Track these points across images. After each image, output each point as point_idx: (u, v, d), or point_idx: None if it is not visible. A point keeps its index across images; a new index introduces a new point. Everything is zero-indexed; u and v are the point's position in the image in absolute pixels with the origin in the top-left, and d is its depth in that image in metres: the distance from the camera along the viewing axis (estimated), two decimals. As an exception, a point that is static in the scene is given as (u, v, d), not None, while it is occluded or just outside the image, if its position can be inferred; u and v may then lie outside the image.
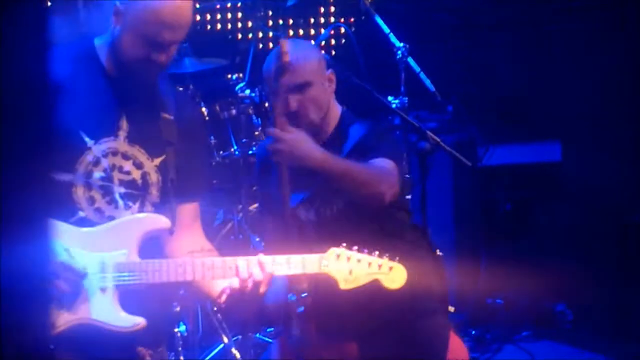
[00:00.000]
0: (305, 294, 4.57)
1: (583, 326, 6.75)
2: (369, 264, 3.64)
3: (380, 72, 5.69)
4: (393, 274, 3.66)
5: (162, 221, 3.58)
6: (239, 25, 7.13)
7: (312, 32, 7.18)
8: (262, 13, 6.26)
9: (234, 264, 3.58)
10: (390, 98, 5.59)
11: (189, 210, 3.78)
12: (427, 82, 5.62)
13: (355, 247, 3.65)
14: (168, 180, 3.66)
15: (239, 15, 7.08)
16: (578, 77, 7.02)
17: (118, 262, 3.50)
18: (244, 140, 5.78)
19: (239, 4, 6.93)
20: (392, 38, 5.63)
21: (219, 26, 7.29)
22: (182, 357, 5.15)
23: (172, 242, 3.71)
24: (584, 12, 7.21)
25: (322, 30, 6.87)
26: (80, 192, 3.55)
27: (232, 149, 5.76)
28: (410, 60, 5.62)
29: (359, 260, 3.63)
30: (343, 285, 3.62)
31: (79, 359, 3.49)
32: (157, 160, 3.66)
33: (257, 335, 5.50)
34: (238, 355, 5.34)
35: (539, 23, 7.33)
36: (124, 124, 3.61)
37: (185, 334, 5.23)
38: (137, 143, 3.62)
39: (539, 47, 7.40)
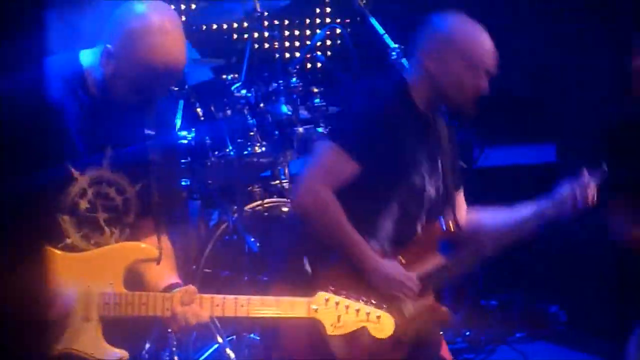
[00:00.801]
0: None
1: (577, 327, 6.76)
2: (357, 311, 3.58)
3: (375, 72, 5.70)
4: (381, 323, 3.60)
5: (151, 251, 3.54)
6: (235, 25, 7.14)
7: (308, 32, 7.19)
8: (258, 13, 6.25)
9: (222, 302, 3.52)
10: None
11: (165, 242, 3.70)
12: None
13: (344, 292, 3.60)
14: (146, 205, 3.63)
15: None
16: (573, 79, 7.03)
17: (104, 292, 3.45)
18: (239, 140, 5.78)
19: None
20: (387, 39, 5.64)
21: (214, 26, 7.29)
22: (176, 357, 5.14)
23: (151, 274, 3.63)
24: (578, 15, 7.22)
25: (318, 31, 6.89)
26: (66, 220, 3.52)
27: (227, 149, 5.76)
28: (404, 61, 5.62)
29: (347, 307, 3.56)
30: (331, 331, 3.57)
31: None
32: (138, 186, 3.63)
33: (251, 335, 5.50)
34: (232, 356, 5.33)
35: (533, 25, 7.33)
36: (108, 151, 3.57)
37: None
38: (120, 169, 3.59)
39: (535, 49, 7.40)
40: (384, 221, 4.19)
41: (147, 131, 3.59)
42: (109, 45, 3.45)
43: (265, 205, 5.44)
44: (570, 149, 7.06)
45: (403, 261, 4.20)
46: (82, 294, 3.43)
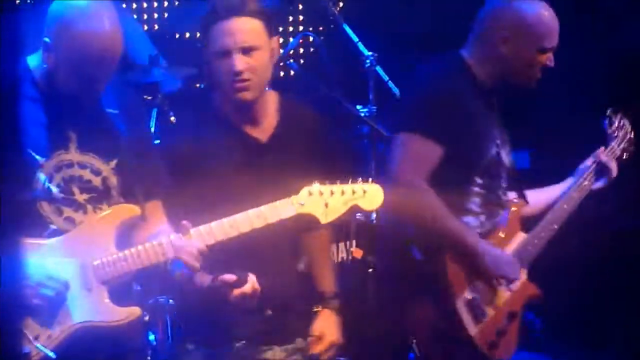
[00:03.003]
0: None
1: (553, 335, 6.76)
2: (342, 192, 3.66)
3: (349, 80, 5.68)
4: (369, 196, 3.66)
5: (132, 209, 3.60)
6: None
7: (281, 40, 7.17)
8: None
9: (211, 229, 3.58)
10: (358, 107, 5.58)
11: (152, 208, 3.75)
12: (396, 90, 5.62)
13: (327, 181, 3.67)
14: (127, 180, 3.66)
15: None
16: (548, 86, 7.03)
17: (97, 258, 3.52)
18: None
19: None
20: (361, 47, 5.63)
21: (187, 35, 7.26)
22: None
23: (140, 235, 3.68)
24: (564, 18, 7.23)
25: (291, 39, 6.86)
26: (45, 207, 3.56)
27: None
28: (378, 69, 5.62)
29: (332, 192, 3.65)
30: (323, 220, 3.65)
31: None
32: (113, 163, 3.66)
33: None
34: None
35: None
36: (73, 136, 3.62)
37: (155, 343, 5.19)
38: (89, 151, 3.62)
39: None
40: (473, 197, 4.28)
41: (109, 110, 3.69)
42: (46, 39, 3.56)
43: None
44: (544, 156, 7.07)
45: (502, 235, 4.34)
46: (77, 267, 3.50)
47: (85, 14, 3.52)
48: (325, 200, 3.63)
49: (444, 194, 4.19)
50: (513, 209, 4.49)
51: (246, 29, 3.90)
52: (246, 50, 3.89)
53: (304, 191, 3.63)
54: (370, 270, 5.03)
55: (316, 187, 3.64)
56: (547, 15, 4.40)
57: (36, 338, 3.39)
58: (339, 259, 5.12)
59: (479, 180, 4.29)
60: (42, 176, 3.55)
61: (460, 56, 4.40)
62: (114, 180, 3.65)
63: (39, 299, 3.40)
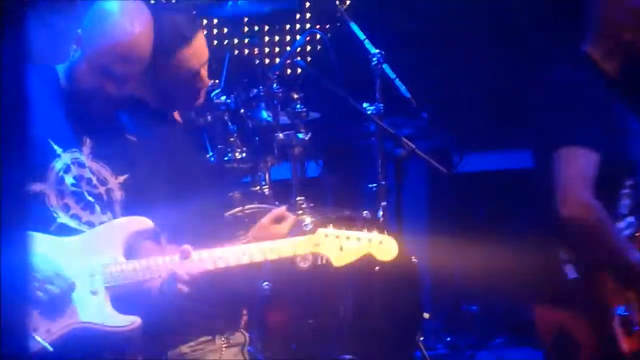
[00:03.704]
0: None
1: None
2: (358, 239, 3.68)
3: (356, 78, 5.70)
4: (384, 247, 3.69)
5: (146, 223, 3.60)
6: (215, 31, 7.12)
7: (288, 38, 7.18)
8: (237, 19, 6.24)
9: (224, 254, 3.59)
10: (365, 105, 5.59)
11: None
12: (403, 88, 5.64)
13: (343, 227, 3.70)
14: (132, 198, 3.68)
15: (215, 21, 7.06)
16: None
17: (106, 263, 3.53)
18: (219, 146, 5.76)
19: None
20: (368, 44, 5.64)
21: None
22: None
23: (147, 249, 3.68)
24: (563, 19, 7.24)
25: (298, 37, 6.87)
26: (53, 201, 3.57)
27: (208, 155, 5.74)
28: (385, 66, 5.62)
29: (347, 237, 3.67)
30: (336, 263, 3.68)
31: None
32: (121, 178, 3.69)
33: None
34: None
35: (516, 30, 7.35)
36: (87, 141, 3.65)
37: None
38: (100, 159, 3.66)
39: (516, 54, 7.42)
40: (623, 200, 4.19)
41: (128, 136, 3.72)
42: (79, 30, 3.61)
43: (246, 211, 5.42)
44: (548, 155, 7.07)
45: None
46: (86, 269, 3.52)
47: (120, 11, 3.57)
48: (340, 243, 3.67)
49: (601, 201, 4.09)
50: None
51: (204, 42, 3.95)
52: (206, 62, 3.94)
53: (321, 232, 3.67)
54: (377, 268, 5.07)
55: (332, 230, 3.68)
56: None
57: (35, 330, 3.42)
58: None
59: (629, 182, 4.19)
60: (58, 165, 3.58)
61: (586, 54, 4.26)
62: (117, 195, 3.67)
63: (43, 293, 3.43)
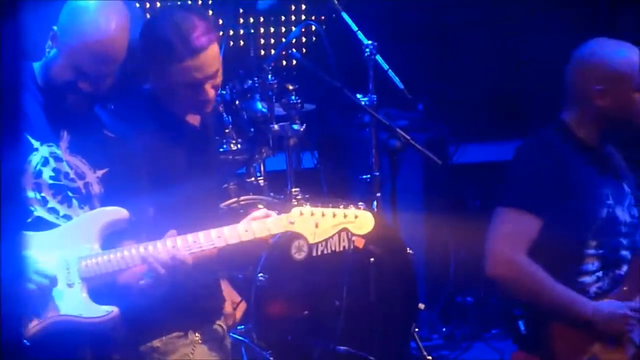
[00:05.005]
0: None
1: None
2: (334, 214, 3.65)
3: (351, 70, 5.70)
4: (359, 221, 3.67)
5: (121, 212, 3.58)
6: (210, 22, 7.11)
7: (283, 29, 7.17)
8: (233, 11, 6.23)
9: (198, 238, 3.57)
10: (359, 96, 5.59)
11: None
12: (396, 79, 5.64)
13: (319, 204, 3.68)
14: (110, 192, 3.65)
15: (210, 12, 7.06)
16: (548, 76, 7.05)
17: (81, 255, 3.51)
18: (215, 137, 5.77)
19: (210, 1, 6.92)
20: (360, 35, 5.64)
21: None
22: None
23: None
24: (555, 10, 7.24)
25: (293, 28, 6.87)
26: (31, 194, 3.54)
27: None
28: (378, 57, 5.63)
29: (323, 214, 3.64)
30: (312, 240, 3.65)
31: (58, 359, 3.49)
32: (100, 172, 3.66)
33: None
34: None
35: (509, 21, 7.35)
36: (65, 135, 3.63)
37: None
38: (78, 153, 3.63)
39: (510, 45, 7.43)
40: (588, 259, 4.19)
41: (106, 132, 3.69)
42: (55, 27, 3.58)
43: (241, 202, 5.43)
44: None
45: (625, 289, 4.21)
46: (62, 261, 3.49)
47: (96, 9, 3.53)
48: (315, 220, 3.63)
49: (555, 261, 4.12)
50: (635, 262, 4.30)
51: (213, 57, 3.83)
52: (214, 76, 3.87)
53: (296, 210, 3.63)
54: (372, 259, 5.08)
55: (308, 208, 3.65)
56: (631, 53, 4.25)
57: None
58: (341, 248, 5.13)
59: (592, 243, 4.19)
60: (35, 159, 3.55)
61: (561, 120, 4.27)
62: (96, 188, 3.64)
63: (23, 291, 3.35)
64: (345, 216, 3.66)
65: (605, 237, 4.21)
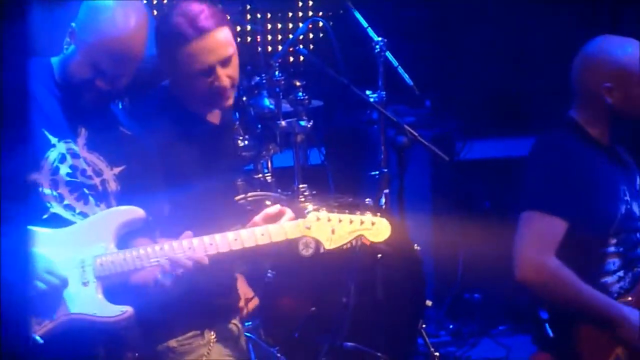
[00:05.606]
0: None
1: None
2: (351, 221, 3.66)
3: (358, 66, 5.69)
4: (376, 228, 3.67)
5: (137, 211, 3.58)
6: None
7: (290, 25, 7.17)
8: (240, 7, 6.23)
9: (215, 240, 3.56)
10: (368, 92, 5.58)
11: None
12: (405, 76, 5.62)
13: (336, 210, 3.67)
14: (127, 190, 3.65)
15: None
16: (556, 72, 7.04)
17: (97, 254, 3.50)
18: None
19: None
20: (370, 32, 5.63)
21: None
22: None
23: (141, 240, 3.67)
24: (562, 6, 7.23)
25: (300, 24, 6.86)
26: (47, 191, 3.54)
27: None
28: (388, 54, 5.61)
29: (340, 220, 3.65)
30: (328, 246, 3.66)
31: (71, 357, 3.49)
32: (117, 170, 3.67)
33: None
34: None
35: (516, 18, 7.34)
36: (83, 132, 3.63)
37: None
38: (96, 150, 3.63)
39: (518, 41, 7.41)
40: (609, 258, 4.17)
41: (123, 129, 3.70)
42: (73, 24, 3.58)
43: (249, 198, 5.43)
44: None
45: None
46: (77, 260, 3.49)
47: (115, 7, 3.53)
48: (332, 226, 3.64)
49: (578, 262, 4.08)
50: None
51: (222, 40, 3.85)
52: (226, 62, 3.86)
53: (312, 216, 3.63)
54: (379, 256, 5.07)
55: (324, 213, 3.64)
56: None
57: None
58: (348, 245, 5.12)
59: (613, 241, 4.17)
60: (52, 155, 3.55)
61: (571, 118, 4.27)
62: (113, 186, 3.65)
63: (33, 291, 3.38)
64: (362, 222, 3.67)
65: (624, 233, 4.20)
